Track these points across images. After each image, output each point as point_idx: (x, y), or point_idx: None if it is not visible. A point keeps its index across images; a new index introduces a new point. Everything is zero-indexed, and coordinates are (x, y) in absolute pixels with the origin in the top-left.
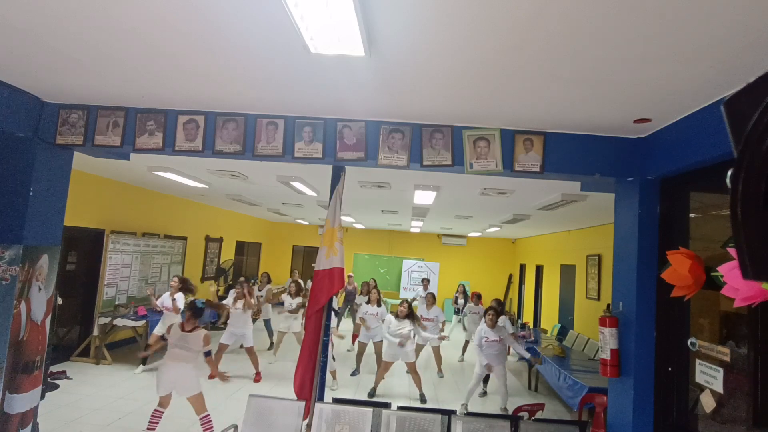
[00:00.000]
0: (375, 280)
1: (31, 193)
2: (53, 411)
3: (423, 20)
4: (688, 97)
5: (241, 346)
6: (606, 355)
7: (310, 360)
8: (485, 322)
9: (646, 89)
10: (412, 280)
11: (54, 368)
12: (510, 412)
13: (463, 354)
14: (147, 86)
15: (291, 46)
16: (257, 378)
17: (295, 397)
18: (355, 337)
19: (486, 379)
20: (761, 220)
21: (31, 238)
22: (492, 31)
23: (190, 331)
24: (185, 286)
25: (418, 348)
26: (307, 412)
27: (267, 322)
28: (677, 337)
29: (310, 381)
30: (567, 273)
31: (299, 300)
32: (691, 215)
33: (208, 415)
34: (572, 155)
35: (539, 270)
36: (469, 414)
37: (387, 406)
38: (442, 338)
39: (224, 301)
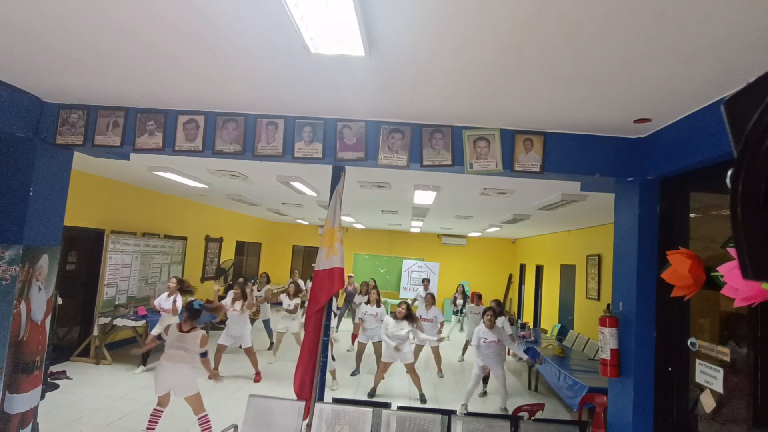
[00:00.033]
0: (375, 281)
1: (31, 193)
2: (53, 411)
3: (423, 20)
4: (688, 97)
5: (241, 347)
6: (606, 355)
7: (310, 360)
8: (483, 322)
9: (646, 89)
10: (412, 280)
11: (54, 368)
12: (510, 412)
13: (463, 354)
14: (147, 86)
15: (291, 46)
16: (257, 378)
17: (295, 397)
18: (354, 337)
19: (486, 380)
20: (761, 220)
21: (31, 238)
22: (492, 31)
23: (187, 331)
24: (183, 288)
25: (418, 348)
26: (307, 412)
27: (266, 323)
28: (677, 337)
29: (310, 381)
30: (567, 273)
31: (297, 300)
32: (691, 215)
33: (207, 415)
34: (572, 155)
35: (539, 270)
36: (469, 414)
37: (387, 406)
38: (440, 340)
39: (223, 302)
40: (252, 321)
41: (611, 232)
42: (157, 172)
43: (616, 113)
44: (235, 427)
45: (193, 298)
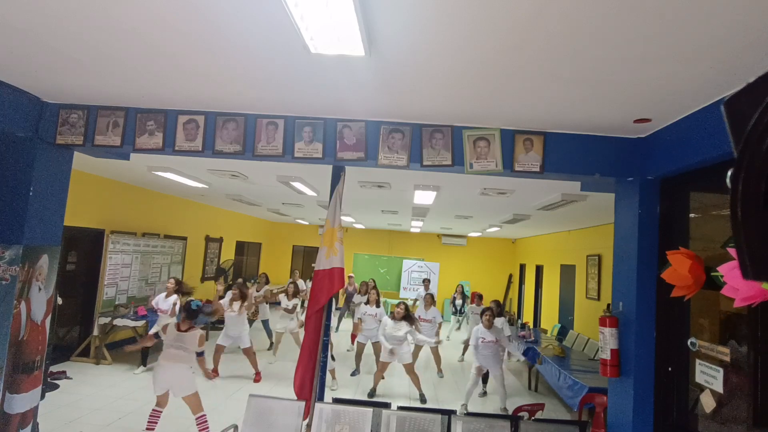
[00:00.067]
0: (374, 281)
1: (31, 193)
2: (53, 411)
3: (423, 20)
4: (688, 97)
5: (239, 347)
6: (606, 355)
7: (310, 360)
8: (482, 323)
9: (646, 89)
10: (412, 280)
11: (54, 368)
12: (510, 412)
13: (463, 354)
14: (147, 86)
15: (291, 46)
16: (257, 378)
17: (295, 397)
18: (353, 337)
19: (485, 379)
20: (761, 220)
21: (31, 238)
22: (492, 31)
23: (186, 330)
24: (181, 289)
25: (417, 349)
26: (307, 412)
27: (265, 323)
28: (677, 337)
29: (310, 381)
30: (567, 273)
31: (296, 301)
32: (691, 215)
33: (204, 415)
34: (572, 155)
35: (539, 270)
36: (469, 414)
37: (387, 406)
38: (438, 342)
39: (221, 302)
40: (251, 322)
41: (611, 232)
42: (157, 172)
43: (616, 113)
44: (235, 427)
45: (191, 298)
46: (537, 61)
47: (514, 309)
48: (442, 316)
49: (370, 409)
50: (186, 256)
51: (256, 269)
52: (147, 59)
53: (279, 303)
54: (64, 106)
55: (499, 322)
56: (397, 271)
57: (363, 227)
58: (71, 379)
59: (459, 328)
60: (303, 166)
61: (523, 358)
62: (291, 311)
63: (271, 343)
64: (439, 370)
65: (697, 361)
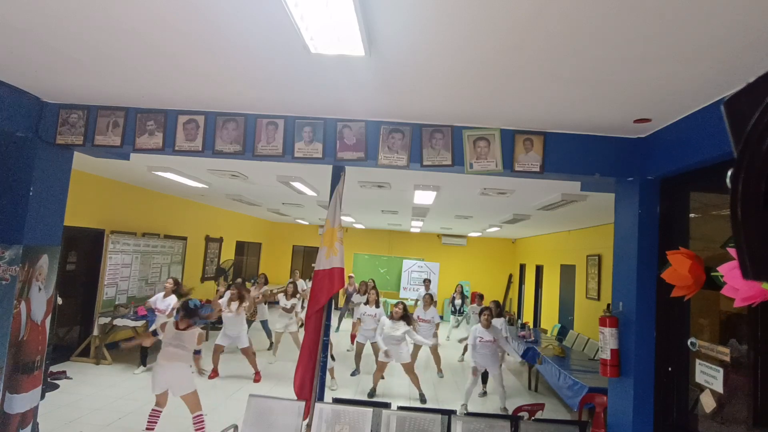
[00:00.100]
0: (374, 281)
1: (31, 193)
2: (53, 411)
3: (423, 20)
4: (688, 97)
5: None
6: (606, 355)
7: (310, 360)
8: (480, 322)
9: (646, 89)
10: (412, 280)
11: (54, 368)
12: (510, 412)
13: (463, 354)
14: (147, 86)
15: (291, 46)
16: (257, 378)
17: (295, 397)
18: (353, 336)
19: (485, 379)
20: (761, 220)
21: (31, 238)
22: (492, 31)
23: (184, 329)
24: (179, 291)
25: (416, 349)
26: (307, 412)
27: (264, 323)
28: (677, 337)
29: (310, 381)
30: (567, 273)
31: (295, 300)
32: (691, 215)
33: (202, 415)
34: (572, 155)
35: (539, 270)
36: (469, 414)
37: (387, 406)
38: (435, 346)
39: (219, 301)
40: (250, 322)
41: (611, 232)
42: (157, 172)
43: (616, 113)
44: (235, 427)
45: (189, 297)
46: (537, 61)
47: (514, 309)
48: (441, 317)
49: (370, 409)
50: (186, 256)
51: (256, 269)
52: (147, 59)
53: (278, 302)
54: (64, 106)
55: (498, 322)
56: (397, 271)
57: (363, 227)
58: (71, 379)
59: (458, 326)
60: (303, 166)
61: (519, 359)
62: (289, 310)
63: (271, 343)
64: (439, 370)
65: (697, 361)
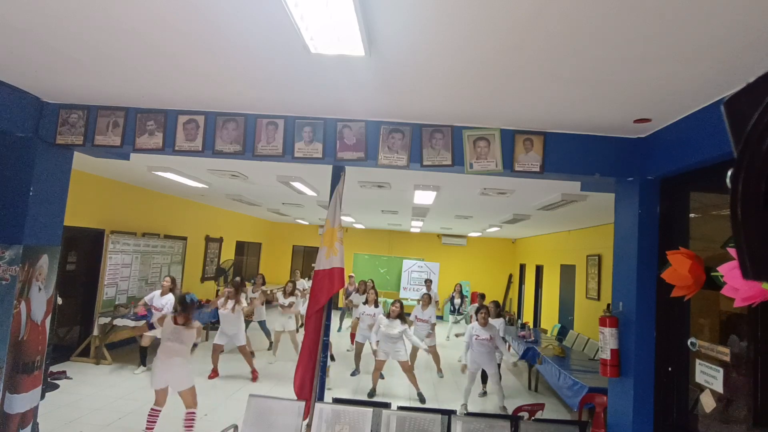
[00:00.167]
0: (373, 281)
1: (31, 193)
2: (53, 411)
3: (423, 20)
4: (688, 97)
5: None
6: (606, 355)
7: (310, 360)
8: (477, 320)
9: (646, 89)
10: (412, 280)
11: (54, 368)
12: (509, 412)
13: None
14: (147, 86)
15: (291, 46)
16: (254, 376)
17: (295, 397)
18: (353, 336)
19: (485, 379)
20: (761, 220)
21: (31, 238)
22: (492, 31)
23: (183, 324)
24: (174, 291)
25: (415, 349)
26: (307, 412)
27: (262, 323)
28: (677, 337)
29: (310, 381)
30: (567, 273)
31: (293, 299)
32: (691, 215)
33: (195, 412)
34: (572, 155)
35: (539, 270)
36: (469, 414)
37: (387, 406)
38: (430, 348)
39: (216, 300)
40: (247, 322)
41: (611, 232)
42: (157, 172)
43: (616, 113)
44: (235, 427)
45: (186, 292)
46: (537, 61)
47: (514, 309)
48: (441, 317)
49: (370, 409)
50: (186, 256)
51: (256, 269)
52: (147, 59)
53: (278, 302)
54: (64, 106)
55: (497, 322)
56: (397, 271)
57: (363, 227)
58: (71, 379)
59: (457, 323)
60: (303, 166)
61: (513, 360)
62: (287, 308)
63: (271, 343)
64: (439, 370)
65: (697, 361)
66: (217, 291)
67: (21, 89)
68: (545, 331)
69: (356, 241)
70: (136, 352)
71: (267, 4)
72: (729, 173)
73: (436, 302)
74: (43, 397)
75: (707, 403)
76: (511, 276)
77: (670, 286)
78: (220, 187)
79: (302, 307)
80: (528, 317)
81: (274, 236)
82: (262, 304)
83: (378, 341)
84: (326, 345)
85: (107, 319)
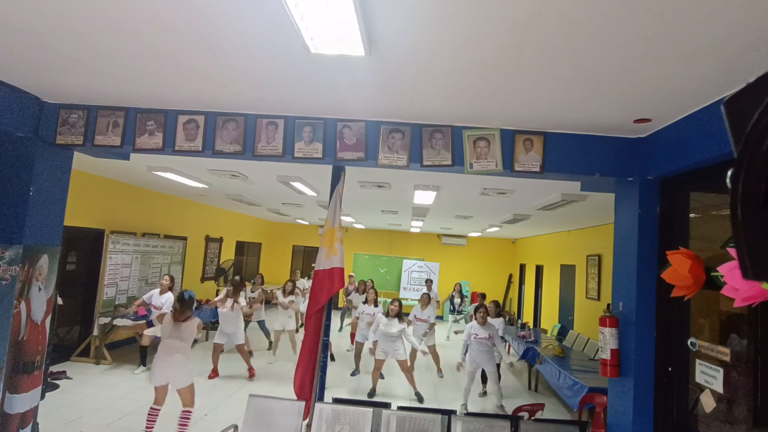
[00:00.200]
0: (372, 281)
1: (31, 193)
2: (53, 411)
3: (423, 20)
4: (688, 97)
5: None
6: (606, 355)
7: (310, 360)
8: (476, 319)
9: (646, 89)
10: (412, 280)
11: (54, 368)
12: (506, 411)
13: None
14: (147, 86)
15: (291, 46)
16: (251, 373)
17: (295, 397)
18: (353, 336)
19: (485, 380)
20: (761, 220)
21: (31, 238)
22: (492, 31)
23: (183, 321)
24: (175, 289)
25: (415, 350)
26: (307, 412)
27: (261, 323)
28: (677, 337)
29: (310, 381)
30: (567, 273)
31: (292, 297)
32: (691, 215)
33: (191, 411)
34: (572, 155)
35: (539, 270)
36: (469, 414)
37: (387, 406)
38: (430, 348)
39: (215, 299)
40: (246, 323)
41: (611, 232)
42: (157, 172)
43: (616, 113)
44: (235, 427)
45: (184, 289)
46: (537, 61)
47: (514, 309)
48: (441, 317)
49: (370, 409)
50: (186, 256)
51: (256, 269)
52: (147, 59)
53: (277, 301)
54: (64, 106)
55: (497, 322)
56: (397, 271)
57: (363, 227)
58: (71, 379)
59: (457, 322)
60: (303, 166)
61: (509, 361)
62: (287, 306)
63: (270, 342)
64: (439, 370)
65: (697, 361)
66: (217, 291)
67: (21, 89)
68: (545, 331)
69: (356, 241)
70: (136, 352)
71: (267, 4)
72: (729, 173)
73: (437, 302)
74: (43, 397)
75: (707, 403)
76: (511, 276)
77: (670, 286)
78: (220, 187)
79: (302, 306)
80: (528, 317)
81: (274, 236)
82: (262, 304)
83: (375, 341)
84: (326, 345)
85: (107, 319)
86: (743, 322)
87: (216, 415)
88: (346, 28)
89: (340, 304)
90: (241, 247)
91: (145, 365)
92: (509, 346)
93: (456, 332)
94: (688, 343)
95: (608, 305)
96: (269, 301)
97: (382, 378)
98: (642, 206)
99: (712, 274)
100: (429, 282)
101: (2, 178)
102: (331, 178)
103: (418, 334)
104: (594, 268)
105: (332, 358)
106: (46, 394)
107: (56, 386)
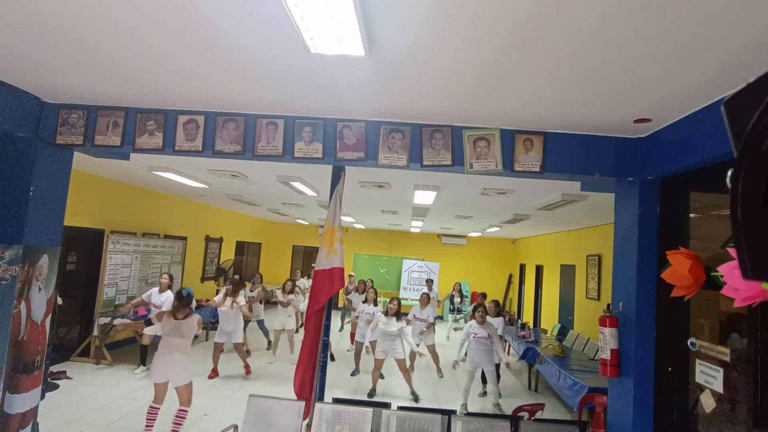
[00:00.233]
0: (372, 281)
1: (31, 193)
2: (53, 411)
3: (423, 20)
4: (688, 97)
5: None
6: (606, 355)
7: (310, 360)
8: (475, 318)
9: (646, 89)
10: (412, 280)
11: (54, 368)
12: (503, 409)
13: (465, 354)
14: (147, 86)
15: (291, 46)
16: (247, 370)
17: (295, 397)
18: (352, 336)
19: (485, 379)
20: (761, 220)
21: (31, 238)
22: (492, 31)
23: (183, 318)
24: (174, 287)
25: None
26: (307, 412)
27: (260, 323)
28: (677, 337)
29: (310, 381)
30: (567, 273)
31: (292, 296)
32: (691, 215)
33: (187, 411)
34: (572, 155)
35: (539, 270)
36: (469, 414)
37: (387, 406)
38: (429, 347)
39: (214, 298)
40: (246, 322)
41: (611, 232)
42: (157, 172)
43: (616, 113)
44: (235, 427)
45: (182, 287)
46: (537, 61)
47: (514, 309)
48: (441, 317)
49: (370, 409)
50: (186, 256)
51: (256, 269)
52: (147, 59)
53: (277, 299)
54: (64, 106)
55: (497, 322)
56: (397, 271)
57: (363, 227)
58: (71, 379)
59: (457, 321)
60: (303, 166)
61: (506, 361)
62: (286, 305)
63: (269, 342)
64: (439, 370)
65: (697, 361)
66: (217, 291)
67: (21, 89)
68: (545, 331)
69: (356, 241)
70: (136, 351)
71: (267, 4)
72: (729, 173)
73: (438, 301)
74: (43, 397)
75: (707, 403)
76: (511, 276)
77: (670, 286)
78: (220, 187)
79: (303, 305)
80: (528, 317)
81: (274, 236)
82: (261, 303)
83: (373, 340)
84: (326, 345)
85: (107, 319)
86: (743, 322)
87: (216, 415)
88: (346, 28)
89: (340, 304)
90: (241, 247)
91: (144, 365)
92: (509, 345)
93: (456, 329)
94: (688, 343)
95: (608, 305)
96: (269, 300)
97: (382, 378)
98: (642, 206)
99: (712, 274)
100: (430, 282)
101: (2, 178)
102: (331, 178)
103: (417, 333)
104: (594, 268)
105: (332, 358)
106: (46, 394)
107: (56, 386)
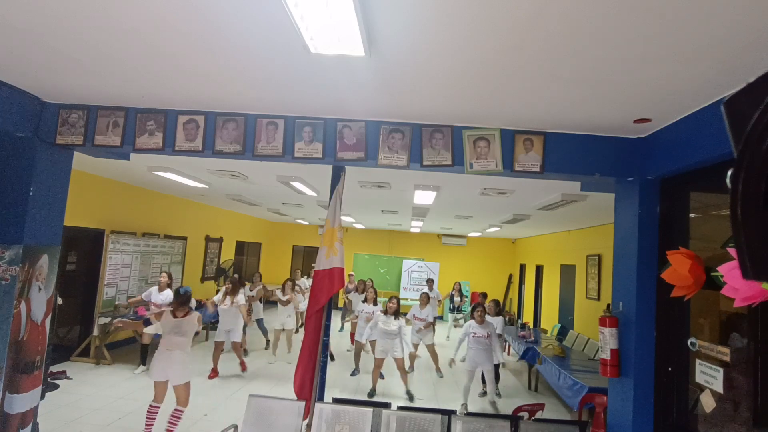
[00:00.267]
0: (372, 280)
1: (31, 193)
2: (53, 411)
3: (423, 20)
4: (688, 97)
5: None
6: (606, 355)
7: (310, 360)
8: (474, 318)
9: (646, 89)
10: (413, 280)
11: (54, 368)
12: (498, 407)
13: (464, 354)
14: (147, 86)
15: (291, 46)
16: (243, 367)
17: (295, 397)
18: (352, 336)
19: (484, 379)
20: (761, 220)
21: (31, 238)
22: (492, 31)
23: (183, 316)
24: (172, 285)
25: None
26: (307, 412)
27: (259, 322)
28: (677, 337)
29: (310, 381)
30: (567, 273)
31: (291, 295)
32: (691, 215)
33: (183, 411)
34: (572, 155)
35: (539, 270)
36: (469, 414)
37: (387, 406)
38: (429, 347)
39: (214, 298)
40: (245, 325)
41: (611, 232)
42: (157, 172)
43: (616, 113)
44: (235, 427)
45: (180, 285)
46: (537, 61)
47: (514, 309)
48: (441, 317)
49: (370, 409)
50: (186, 256)
51: (256, 269)
52: (147, 59)
53: (275, 302)
54: (64, 106)
55: (497, 321)
56: (397, 271)
57: (363, 227)
58: (71, 379)
59: (457, 320)
60: (303, 166)
61: (502, 361)
62: (284, 303)
63: (267, 341)
64: (438, 370)
65: (697, 361)
66: (217, 290)
67: (21, 89)
68: (545, 331)
69: (356, 241)
70: (136, 351)
71: (267, 4)
72: (729, 173)
73: (439, 301)
74: (43, 397)
75: (707, 403)
76: (511, 276)
77: (670, 286)
78: (220, 187)
79: (303, 305)
80: (528, 317)
81: (274, 236)
82: (260, 302)
83: (373, 340)
84: (326, 345)
85: (107, 319)
86: (743, 321)
87: (216, 415)
88: (346, 28)
89: (341, 304)
90: (241, 247)
91: (145, 365)
92: (509, 345)
93: (455, 326)
94: (688, 343)
95: (608, 305)
96: (269, 299)
97: (382, 378)
98: (642, 206)
99: (712, 274)
100: (430, 281)
101: (2, 178)
102: (331, 178)
103: (415, 332)
104: (594, 268)
105: (332, 358)
106: (46, 394)
107: (56, 386)
